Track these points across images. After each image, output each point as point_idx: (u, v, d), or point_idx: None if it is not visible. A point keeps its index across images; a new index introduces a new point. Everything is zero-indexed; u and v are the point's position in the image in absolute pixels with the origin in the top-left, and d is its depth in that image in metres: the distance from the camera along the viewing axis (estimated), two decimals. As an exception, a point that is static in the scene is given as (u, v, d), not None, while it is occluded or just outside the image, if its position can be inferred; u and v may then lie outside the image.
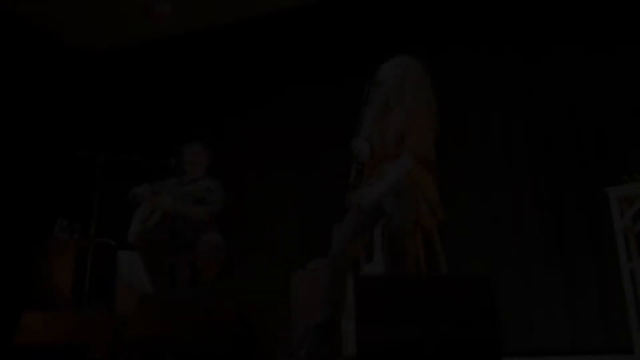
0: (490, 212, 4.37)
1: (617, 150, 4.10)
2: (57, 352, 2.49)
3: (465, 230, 4.36)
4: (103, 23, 5.58)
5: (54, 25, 5.59)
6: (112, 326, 2.57)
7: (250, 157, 5.24)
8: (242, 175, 5.15)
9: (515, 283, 4.14)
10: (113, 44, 5.97)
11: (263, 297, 4.70)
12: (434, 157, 2.85)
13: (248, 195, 5.12)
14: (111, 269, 4.57)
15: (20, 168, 5.12)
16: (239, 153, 5.27)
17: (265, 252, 4.95)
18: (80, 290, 4.00)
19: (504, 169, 4.42)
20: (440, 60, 4.62)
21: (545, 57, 4.46)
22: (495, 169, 4.45)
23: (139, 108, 5.86)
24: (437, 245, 2.87)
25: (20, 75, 5.26)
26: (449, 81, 4.63)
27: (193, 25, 5.68)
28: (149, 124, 5.73)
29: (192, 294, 2.27)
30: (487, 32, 4.69)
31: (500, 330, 1.84)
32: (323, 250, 4.13)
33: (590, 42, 4.34)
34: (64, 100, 5.74)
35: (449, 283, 1.99)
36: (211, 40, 5.70)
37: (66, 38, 5.80)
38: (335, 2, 5.29)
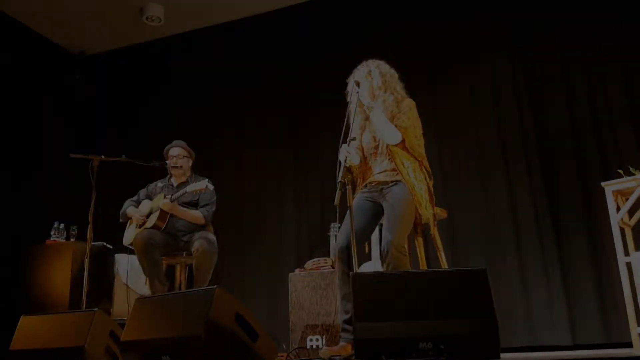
0: (487, 210, 4.37)
1: (612, 144, 4.11)
2: (55, 356, 2.49)
3: (463, 228, 4.36)
4: (94, 26, 5.58)
5: (44, 28, 5.58)
6: (109, 329, 2.56)
7: (247, 157, 5.23)
8: (240, 176, 5.15)
9: (514, 279, 4.15)
10: (105, 47, 5.97)
11: (262, 297, 4.70)
12: (424, 153, 2.88)
13: (246, 196, 5.12)
14: (108, 271, 4.56)
15: (16, 171, 5.10)
16: (237, 153, 5.27)
17: (263, 252, 4.94)
18: (77, 293, 3.99)
19: (500, 165, 4.43)
20: (437, 59, 4.64)
21: (540, 50, 4.47)
22: (491, 166, 4.45)
23: (135, 108, 5.85)
24: (437, 242, 2.88)
25: (15, 78, 5.24)
26: (445, 78, 4.64)
27: (185, 27, 5.67)
28: (144, 125, 5.73)
29: (190, 295, 2.26)
30: (480, 23, 4.71)
31: (499, 324, 1.84)
32: (321, 249, 4.13)
33: (584, 33, 4.36)
34: (59, 102, 5.73)
35: (447, 278, 1.99)
36: (203, 41, 5.69)
37: (59, 41, 5.79)
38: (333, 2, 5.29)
